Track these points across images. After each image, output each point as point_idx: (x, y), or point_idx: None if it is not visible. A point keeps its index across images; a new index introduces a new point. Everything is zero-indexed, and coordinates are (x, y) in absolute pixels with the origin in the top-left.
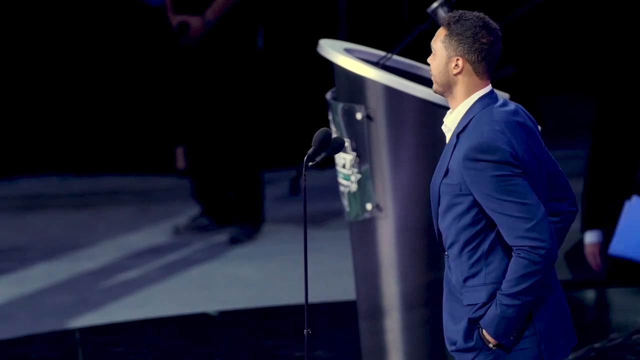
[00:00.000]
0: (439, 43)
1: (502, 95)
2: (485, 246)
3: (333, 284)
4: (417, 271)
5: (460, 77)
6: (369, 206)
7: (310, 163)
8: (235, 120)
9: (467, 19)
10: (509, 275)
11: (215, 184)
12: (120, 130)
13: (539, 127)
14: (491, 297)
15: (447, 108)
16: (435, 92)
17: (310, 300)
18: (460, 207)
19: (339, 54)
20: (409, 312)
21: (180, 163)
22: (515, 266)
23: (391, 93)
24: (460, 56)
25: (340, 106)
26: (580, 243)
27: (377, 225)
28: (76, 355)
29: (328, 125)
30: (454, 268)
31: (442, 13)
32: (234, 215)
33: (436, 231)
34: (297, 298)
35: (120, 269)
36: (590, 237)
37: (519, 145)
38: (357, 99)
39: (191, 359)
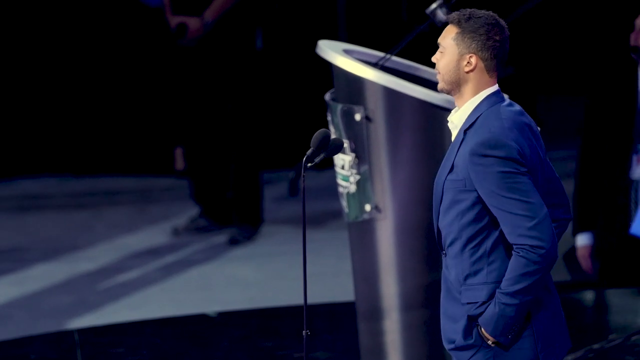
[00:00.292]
0: (450, 40)
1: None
2: (488, 244)
3: (332, 284)
4: (416, 272)
5: (471, 74)
6: (367, 207)
7: (309, 164)
8: (234, 121)
9: (479, 17)
10: (509, 273)
11: (214, 184)
12: (119, 131)
13: (539, 129)
14: (491, 296)
15: (447, 109)
16: (442, 90)
17: (309, 301)
18: (464, 204)
19: (337, 55)
20: (408, 313)
21: (179, 164)
22: (514, 265)
23: (390, 94)
24: (474, 53)
25: (339, 107)
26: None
27: (376, 226)
28: (75, 356)
29: (327, 126)
30: (454, 266)
31: (441, 14)
32: (232, 216)
33: (435, 230)
34: (296, 299)
35: (119, 269)
36: (582, 240)
37: (526, 145)
38: (356, 100)
39: None
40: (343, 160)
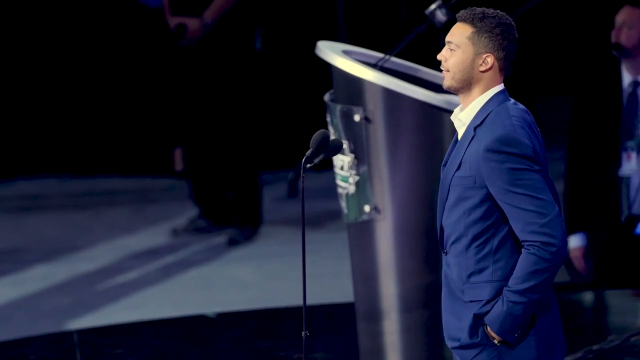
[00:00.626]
0: (465, 40)
1: None
2: (495, 242)
3: (331, 285)
4: (415, 273)
5: (485, 74)
6: (367, 208)
7: (309, 165)
8: (233, 122)
9: (493, 16)
10: (518, 271)
11: (213, 185)
12: (118, 131)
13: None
14: (496, 295)
15: (446, 110)
16: (449, 88)
17: (308, 302)
18: (471, 201)
19: (337, 55)
20: (407, 313)
21: (179, 165)
22: (524, 262)
23: (389, 95)
24: (490, 53)
25: (338, 108)
26: None
27: (375, 227)
28: (74, 357)
29: (326, 127)
30: (456, 264)
31: (440, 15)
32: (232, 217)
33: (438, 228)
34: (296, 300)
35: (118, 270)
36: (574, 241)
37: (536, 143)
38: (355, 100)
39: None
40: (342, 161)
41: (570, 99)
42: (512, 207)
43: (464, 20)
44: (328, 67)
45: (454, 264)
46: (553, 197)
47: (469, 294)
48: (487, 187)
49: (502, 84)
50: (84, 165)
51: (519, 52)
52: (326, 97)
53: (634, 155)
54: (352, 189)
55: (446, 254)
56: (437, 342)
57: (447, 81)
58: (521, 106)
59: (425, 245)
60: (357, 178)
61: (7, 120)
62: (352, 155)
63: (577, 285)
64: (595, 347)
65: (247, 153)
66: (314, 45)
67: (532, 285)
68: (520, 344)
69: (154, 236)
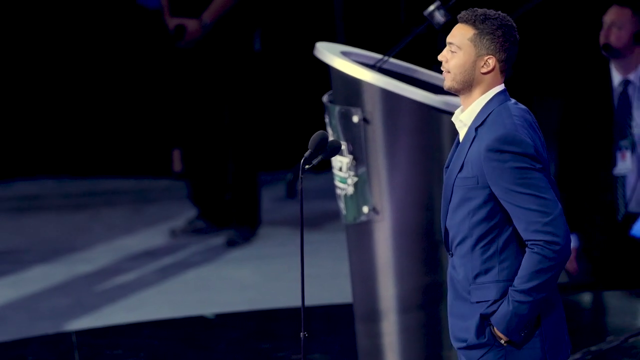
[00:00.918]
0: (466, 41)
1: None
2: (500, 242)
3: (329, 286)
4: (414, 274)
5: (487, 75)
6: (365, 209)
7: (307, 166)
8: (232, 122)
9: (495, 18)
10: (522, 271)
11: (212, 186)
12: (117, 132)
13: None
14: (502, 295)
15: (444, 111)
16: (449, 88)
17: (307, 303)
18: (475, 202)
19: (335, 56)
20: (406, 314)
21: (177, 165)
22: (528, 262)
23: (388, 96)
24: (492, 55)
25: (337, 109)
26: None
27: (373, 228)
28: (73, 358)
29: (325, 128)
30: (462, 265)
31: (439, 16)
32: (230, 218)
33: (443, 230)
34: (294, 301)
35: (116, 271)
36: None
37: (538, 142)
38: (354, 101)
39: None
40: (341, 162)
41: (559, 101)
42: (515, 207)
43: (466, 22)
44: (327, 69)
45: (459, 265)
46: (555, 196)
47: (475, 294)
48: (490, 187)
49: (503, 84)
50: (83, 166)
51: (518, 53)
52: (325, 98)
53: (628, 154)
54: (350, 190)
55: (452, 255)
56: (436, 343)
57: (448, 82)
58: (522, 106)
59: (423, 246)
60: (355, 179)
61: (6, 121)
62: (351, 156)
63: (575, 286)
64: (593, 348)
65: (246, 154)
66: (312, 47)
67: (537, 284)
68: (526, 345)
69: (153, 237)
